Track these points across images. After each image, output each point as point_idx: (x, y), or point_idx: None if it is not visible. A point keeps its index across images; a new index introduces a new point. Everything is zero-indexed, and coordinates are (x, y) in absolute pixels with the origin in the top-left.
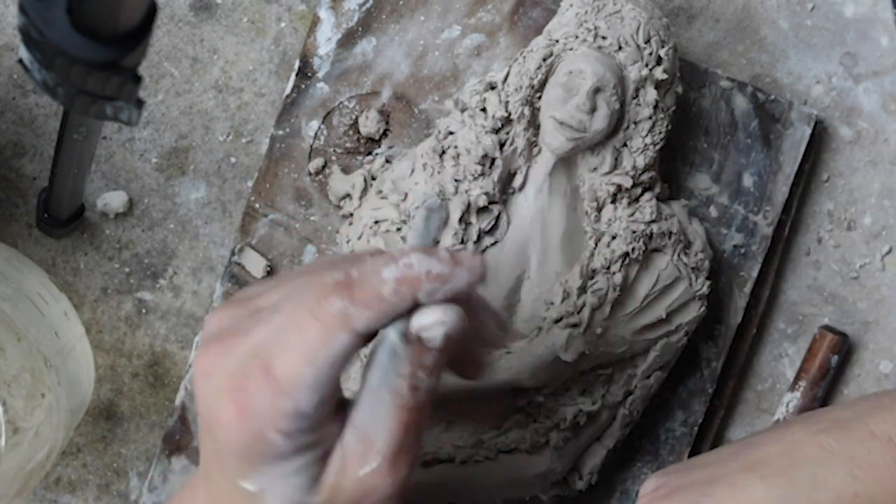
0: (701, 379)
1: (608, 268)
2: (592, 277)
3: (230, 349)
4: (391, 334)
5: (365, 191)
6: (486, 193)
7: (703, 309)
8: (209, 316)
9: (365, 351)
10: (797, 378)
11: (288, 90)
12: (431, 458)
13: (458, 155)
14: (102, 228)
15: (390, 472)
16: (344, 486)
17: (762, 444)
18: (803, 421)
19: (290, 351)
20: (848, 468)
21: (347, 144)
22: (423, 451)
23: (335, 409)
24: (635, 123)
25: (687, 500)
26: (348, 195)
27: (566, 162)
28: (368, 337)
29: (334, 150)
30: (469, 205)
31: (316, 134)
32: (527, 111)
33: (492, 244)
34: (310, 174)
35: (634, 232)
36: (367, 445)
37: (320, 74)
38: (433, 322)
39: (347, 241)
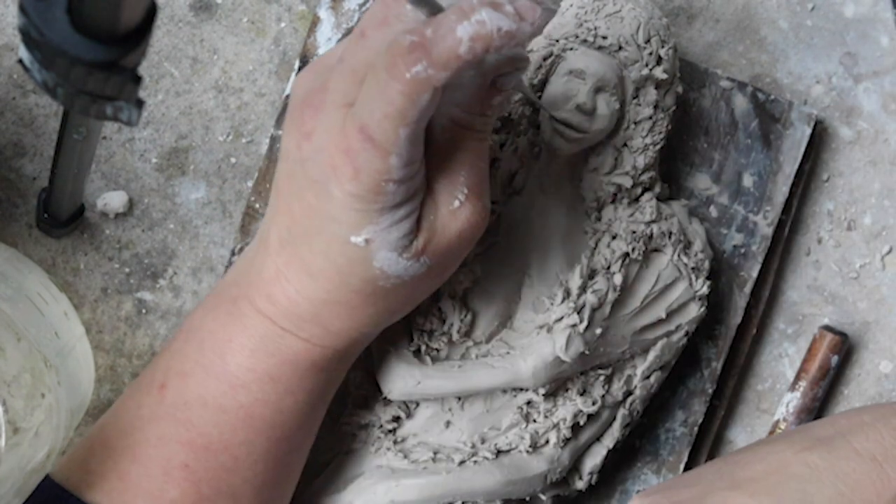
0: (701, 379)
1: (608, 268)
2: (592, 277)
3: (320, 108)
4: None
5: None
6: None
7: (703, 309)
8: (296, 79)
9: None
10: (797, 378)
11: (288, 90)
12: (431, 458)
13: None
14: (102, 228)
15: (477, 201)
16: (440, 225)
17: (747, 463)
18: (785, 439)
19: (379, 115)
20: (835, 486)
21: None
22: (422, 450)
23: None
24: (635, 123)
25: None
26: None
27: (566, 162)
28: None
29: None
30: None
31: None
32: (527, 111)
33: (492, 244)
34: None
35: (634, 232)
36: (454, 180)
37: None
38: (491, 30)
39: None
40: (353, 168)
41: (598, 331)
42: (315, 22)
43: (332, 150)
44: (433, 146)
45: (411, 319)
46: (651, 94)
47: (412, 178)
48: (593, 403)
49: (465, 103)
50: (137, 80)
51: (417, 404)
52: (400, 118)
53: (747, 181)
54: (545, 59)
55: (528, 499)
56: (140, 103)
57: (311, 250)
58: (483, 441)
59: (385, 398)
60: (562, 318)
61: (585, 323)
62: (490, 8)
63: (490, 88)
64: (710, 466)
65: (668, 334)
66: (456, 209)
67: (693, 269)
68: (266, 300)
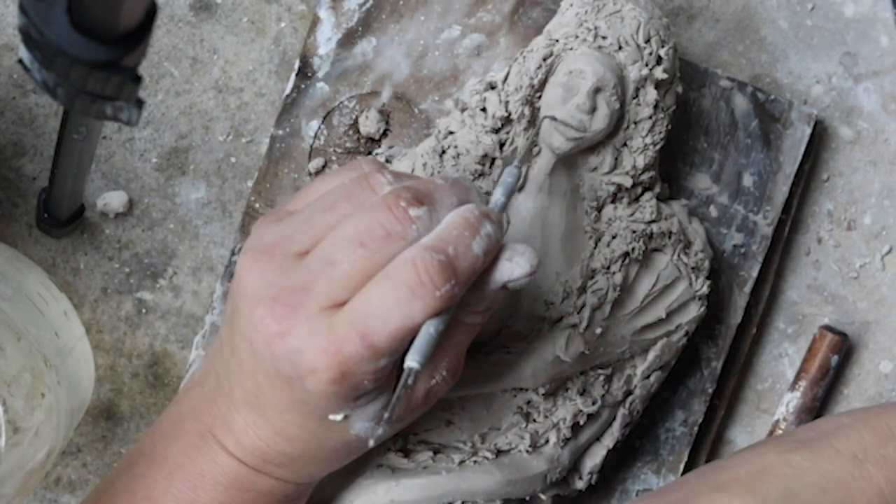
0: (701, 379)
1: (608, 268)
2: (592, 277)
3: (298, 309)
4: None
5: None
6: (487, 193)
7: (703, 309)
8: (244, 265)
9: None
10: (797, 378)
11: (288, 90)
12: (431, 457)
13: (459, 155)
14: (102, 228)
15: (452, 378)
16: (416, 399)
17: (731, 467)
18: (767, 444)
19: (393, 326)
20: (818, 483)
21: (347, 144)
22: (422, 449)
23: None
24: (635, 123)
25: None
26: None
27: (566, 162)
28: None
29: (334, 150)
30: None
31: (316, 134)
32: (527, 111)
33: None
34: (310, 174)
35: (634, 232)
36: (437, 364)
37: (320, 74)
38: (523, 275)
39: None
40: (341, 372)
41: (598, 331)
42: (315, 22)
43: (315, 354)
44: None
45: None
46: (651, 93)
47: (390, 370)
48: (593, 403)
49: (472, 304)
50: (137, 80)
51: None
52: (413, 331)
53: (747, 181)
54: (545, 58)
55: (528, 499)
56: (140, 103)
57: (283, 420)
58: (483, 441)
59: None
60: (562, 318)
61: (585, 323)
62: (493, 222)
63: (499, 290)
64: (693, 474)
65: (668, 334)
66: (432, 386)
67: (693, 268)
68: (237, 446)
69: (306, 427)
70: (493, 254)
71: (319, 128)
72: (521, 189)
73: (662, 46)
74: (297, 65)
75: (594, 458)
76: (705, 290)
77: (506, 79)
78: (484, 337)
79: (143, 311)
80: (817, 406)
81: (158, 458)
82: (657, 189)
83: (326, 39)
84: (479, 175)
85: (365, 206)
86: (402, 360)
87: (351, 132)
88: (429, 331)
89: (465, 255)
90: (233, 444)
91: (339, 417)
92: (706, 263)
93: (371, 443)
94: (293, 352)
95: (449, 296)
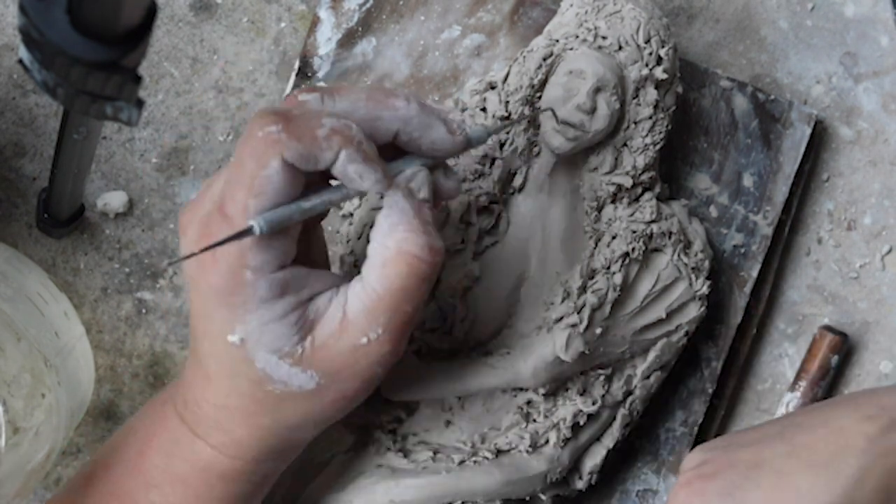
0: (701, 379)
1: (608, 268)
2: (592, 277)
3: (199, 203)
4: (394, 193)
5: None
6: (487, 193)
7: (703, 309)
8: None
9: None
10: (797, 378)
11: (288, 90)
12: (431, 457)
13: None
14: (102, 228)
15: (390, 345)
16: (338, 350)
17: (808, 427)
18: (850, 405)
19: (234, 187)
20: (885, 464)
21: None
22: (422, 449)
23: (308, 257)
24: (635, 123)
25: (730, 483)
26: None
27: (566, 162)
28: (307, 182)
29: None
30: (470, 204)
31: None
32: (527, 111)
33: (492, 244)
34: None
35: (634, 232)
36: (371, 318)
37: (320, 74)
38: (414, 170)
39: (347, 241)
40: (213, 254)
41: (598, 331)
42: (315, 22)
43: (196, 242)
44: (367, 279)
45: None
46: (651, 93)
47: (274, 271)
48: (593, 403)
49: (404, 222)
50: (137, 80)
51: (418, 404)
52: (249, 186)
53: (747, 181)
54: (545, 58)
55: (528, 499)
56: (140, 103)
57: (204, 353)
58: (483, 441)
59: (385, 398)
60: (562, 318)
61: (585, 323)
62: (358, 126)
63: (412, 198)
64: (773, 425)
65: (668, 334)
66: (362, 345)
67: (693, 269)
68: (183, 404)
69: (217, 358)
70: (344, 139)
71: None
72: (521, 189)
73: (662, 46)
74: (297, 65)
75: (594, 458)
76: (705, 290)
77: (506, 79)
78: (484, 337)
79: (143, 311)
80: None
81: (131, 429)
82: (657, 189)
83: (326, 39)
84: (479, 175)
85: None
86: (297, 283)
87: None
88: (297, 205)
89: (309, 118)
90: (181, 401)
91: (235, 339)
92: (706, 263)
93: (275, 379)
94: (188, 247)
95: (273, 139)
